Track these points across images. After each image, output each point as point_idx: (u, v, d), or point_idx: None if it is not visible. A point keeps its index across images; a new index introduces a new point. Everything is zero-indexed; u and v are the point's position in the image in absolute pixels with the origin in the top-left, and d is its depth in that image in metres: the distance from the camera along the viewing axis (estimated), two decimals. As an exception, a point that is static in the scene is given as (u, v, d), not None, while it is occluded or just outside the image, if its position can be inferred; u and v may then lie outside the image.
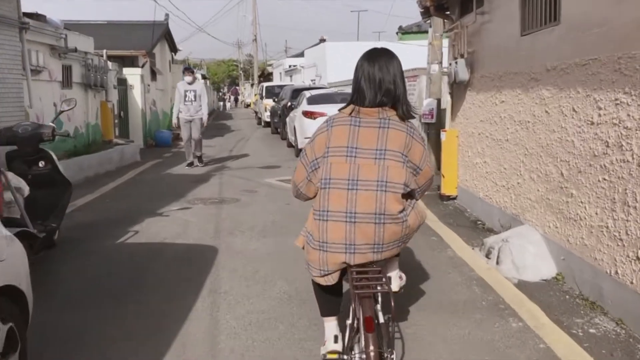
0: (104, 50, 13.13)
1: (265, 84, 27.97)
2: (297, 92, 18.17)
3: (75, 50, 10.77)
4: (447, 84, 7.98)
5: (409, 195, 2.73)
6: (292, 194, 3.02)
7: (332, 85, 20.91)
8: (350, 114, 2.74)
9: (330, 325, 2.96)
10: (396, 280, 3.15)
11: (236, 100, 63.52)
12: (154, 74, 18.17)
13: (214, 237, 6.12)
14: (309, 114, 13.05)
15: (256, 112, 30.26)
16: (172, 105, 21.47)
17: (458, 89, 7.67)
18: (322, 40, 34.19)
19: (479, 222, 6.67)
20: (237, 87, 72.45)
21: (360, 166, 2.62)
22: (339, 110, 2.83)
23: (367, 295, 2.52)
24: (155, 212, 7.34)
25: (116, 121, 14.04)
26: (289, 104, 17.15)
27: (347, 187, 2.62)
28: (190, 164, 11.74)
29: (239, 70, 76.73)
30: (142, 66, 16.35)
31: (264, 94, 26.22)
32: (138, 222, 6.80)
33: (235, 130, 24.42)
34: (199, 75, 32.39)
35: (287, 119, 16.55)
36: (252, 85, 53.19)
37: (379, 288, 2.56)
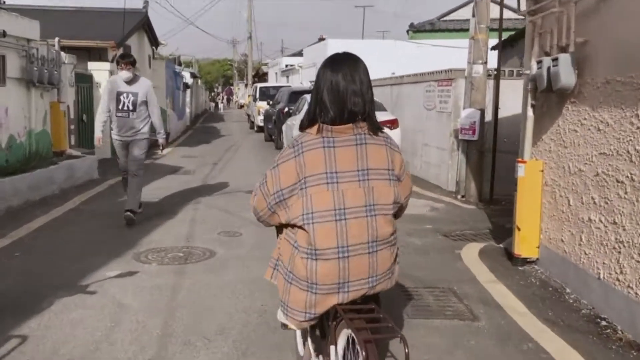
0: (56, 39, 10.43)
1: (259, 85, 25.31)
2: (296, 95, 15.61)
3: (4, 34, 8.09)
4: (528, 90, 5.35)
5: (399, 211, 2.49)
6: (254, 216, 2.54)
7: (334, 88, 18.33)
8: (320, 133, 2.33)
9: None
10: None
11: (229, 100, 61.94)
12: (128, 70, 15.49)
13: (155, 355, 3.47)
14: (311, 124, 10.46)
15: (248, 115, 27.62)
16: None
17: (548, 99, 5.06)
18: (322, 39, 31.66)
19: (603, 322, 4.04)
20: (232, 87, 70.85)
21: (344, 192, 2.29)
22: (300, 129, 2.41)
23: (370, 340, 2.11)
24: (76, 284, 4.67)
25: (72, 127, 11.33)
26: (286, 108, 14.57)
27: (334, 219, 2.28)
28: (130, 219, 6.75)
29: (234, 70, 74.96)
30: (112, 60, 13.64)
31: (257, 96, 23.61)
32: (39, 308, 4.14)
33: (225, 136, 21.80)
34: (186, 74, 29.71)
35: (284, 127, 13.96)
36: (246, 85, 50.61)
37: (387, 333, 2.28)
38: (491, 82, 8.71)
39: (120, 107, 6.75)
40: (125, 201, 6.94)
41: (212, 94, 45.77)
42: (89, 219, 7.17)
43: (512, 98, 7.78)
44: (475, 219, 7.55)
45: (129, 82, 6.79)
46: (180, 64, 37.46)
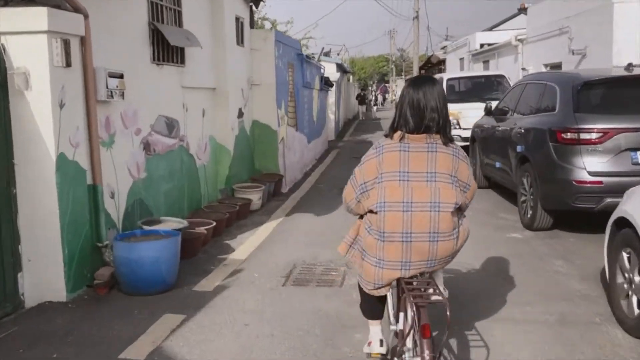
0: None
1: (447, 76, 14.71)
2: (588, 90, 5.29)
3: None
4: None
5: (458, 210, 2.95)
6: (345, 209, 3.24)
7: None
8: (400, 140, 2.94)
9: (376, 329, 3.30)
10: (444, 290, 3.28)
11: (384, 98, 54.09)
12: (163, 45, 6.13)
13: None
14: None
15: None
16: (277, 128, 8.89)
17: None
18: (522, 10, 20.51)
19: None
20: (386, 85, 63.14)
21: (413, 189, 2.88)
22: (385, 135, 3.05)
23: (423, 305, 2.70)
24: None
25: None
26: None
27: (402, 210, 2.87)
28: None
29: (390, 65, 67.01)
30: (61, 5, 4.27)
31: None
32: None
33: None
34: (329, 65, 20.34)
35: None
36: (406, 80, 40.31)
37: (434, 298, 2.77)
38: None
39: None
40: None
41: (363, 92, 35.04)
42: None
43: None
44: None
45: None
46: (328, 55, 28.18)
